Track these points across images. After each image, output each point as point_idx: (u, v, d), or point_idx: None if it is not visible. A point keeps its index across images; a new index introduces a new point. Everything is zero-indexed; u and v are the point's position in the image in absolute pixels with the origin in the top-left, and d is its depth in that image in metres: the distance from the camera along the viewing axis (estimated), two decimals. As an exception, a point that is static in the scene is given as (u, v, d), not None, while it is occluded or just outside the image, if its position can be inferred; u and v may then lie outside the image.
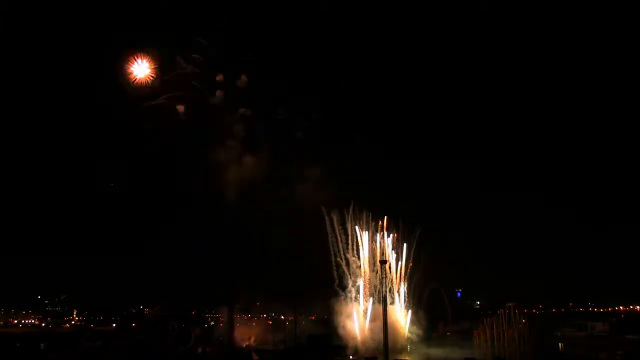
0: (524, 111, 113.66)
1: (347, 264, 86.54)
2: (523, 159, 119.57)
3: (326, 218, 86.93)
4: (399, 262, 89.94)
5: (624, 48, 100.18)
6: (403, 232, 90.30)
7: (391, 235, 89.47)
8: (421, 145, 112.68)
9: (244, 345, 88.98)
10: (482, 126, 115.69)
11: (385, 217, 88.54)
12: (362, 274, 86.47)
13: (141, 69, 76.92)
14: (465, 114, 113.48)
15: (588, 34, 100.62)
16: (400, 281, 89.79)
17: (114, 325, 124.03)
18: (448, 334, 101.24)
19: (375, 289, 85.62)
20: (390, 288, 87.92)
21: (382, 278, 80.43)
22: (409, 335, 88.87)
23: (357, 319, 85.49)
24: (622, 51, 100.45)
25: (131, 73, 76.27)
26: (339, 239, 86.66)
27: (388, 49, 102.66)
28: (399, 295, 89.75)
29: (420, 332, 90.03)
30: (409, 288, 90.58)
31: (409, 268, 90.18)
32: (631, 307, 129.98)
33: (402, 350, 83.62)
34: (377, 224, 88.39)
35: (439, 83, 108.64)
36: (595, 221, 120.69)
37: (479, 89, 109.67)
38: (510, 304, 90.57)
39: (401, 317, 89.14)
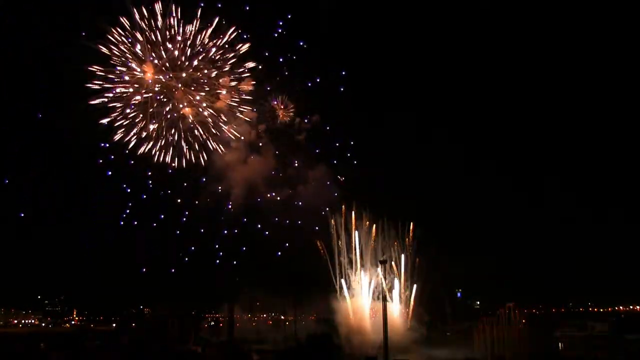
0: (527, 114, 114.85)
1: (350, 263, 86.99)
2: (522, 158, 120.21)
3: (330, 220, 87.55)
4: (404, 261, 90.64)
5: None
6: (403, 232, 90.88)
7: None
8: (421, 144, 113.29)
9: (244, 345, 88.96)
10: (482, 127, 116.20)
11: (385, 216, 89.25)
12: (368, 274, 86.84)
13: None
14: (466, 113, 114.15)
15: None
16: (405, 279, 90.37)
17: (114, 325, 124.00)
18: (448, 334, 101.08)
19: (377, 287, 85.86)
20: (390, 287, 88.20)
21: (382, 277, 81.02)
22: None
23: (357, 318, 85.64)
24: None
25: None
26: (341, 239, 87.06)
27: (388, 47, 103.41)
28: (399, 294, 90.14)
29: (423, 330, 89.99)
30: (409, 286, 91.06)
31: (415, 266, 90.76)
32: (631, 307, 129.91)
33: (404, 349, 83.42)
34: (378, 223, 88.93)
35: (440, 81, 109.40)
36: (594, 222, 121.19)
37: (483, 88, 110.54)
38: (510, 304, 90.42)
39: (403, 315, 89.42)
